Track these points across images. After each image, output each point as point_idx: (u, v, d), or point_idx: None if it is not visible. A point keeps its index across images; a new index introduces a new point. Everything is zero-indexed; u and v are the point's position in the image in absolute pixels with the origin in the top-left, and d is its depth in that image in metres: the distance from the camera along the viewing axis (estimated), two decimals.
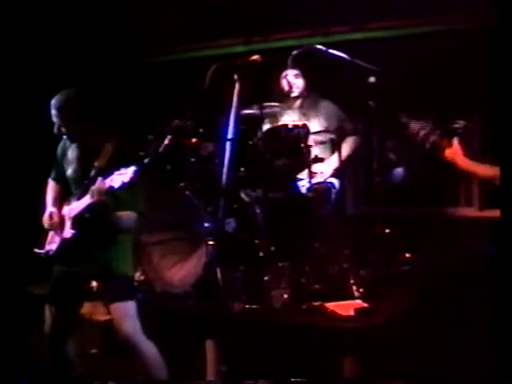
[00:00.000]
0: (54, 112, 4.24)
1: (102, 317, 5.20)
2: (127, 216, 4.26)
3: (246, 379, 4.46)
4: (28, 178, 5.42)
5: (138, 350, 4.23)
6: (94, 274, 4.33)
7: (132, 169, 3.91)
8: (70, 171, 4.41)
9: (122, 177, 3.92)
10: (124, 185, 3.92)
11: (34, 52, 6.73)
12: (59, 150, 4.50)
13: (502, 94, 3.37)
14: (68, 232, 4.25)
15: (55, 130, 4.28)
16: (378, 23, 6.46)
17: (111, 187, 3.95)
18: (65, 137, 4.36)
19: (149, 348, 4.26)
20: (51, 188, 4.56)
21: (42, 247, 4.39)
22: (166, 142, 5.64)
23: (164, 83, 7.09)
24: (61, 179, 4.50)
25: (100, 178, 4.03)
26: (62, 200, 4.45)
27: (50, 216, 4.35)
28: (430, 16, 6.14)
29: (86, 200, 4.11)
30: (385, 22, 6.41)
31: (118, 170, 3.94)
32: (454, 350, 4.60)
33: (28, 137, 6.18)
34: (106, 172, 4.02)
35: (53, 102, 4.25)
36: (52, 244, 4.34)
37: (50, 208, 4.44)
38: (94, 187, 4.04)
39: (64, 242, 4.27)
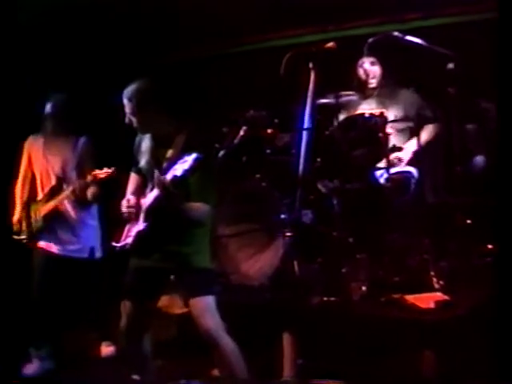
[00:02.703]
0: (125, 102, 4.27)
1: (178, 310, 5.21)
2: (198, 208, 4.23)
3: (322, 373, 4.45)
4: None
5: (218, 344, 4.19)
6: (172, 268, 4.29)
7: (193, 156, 3.90)
8: (143, 163, 4.42)
9: (183, 165, 3.92)
10: (185, 172, 3.91)
11: (107, 43, 6.80)
12: (136, 142, 4.51)
13: None
14: (141, 225, 4.25)
15: (126, 120, 4.30)
16: (453, 9, 6.31)
17: (174, 176, 3.95)
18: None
19: (228, 343, 4.22)
20: (131, 180, 4.57)
21: (119, 241, 4.40)
22: (241, 133, 5.64)
23: (238, 73, 7.07)
24: (139, 172, 4.50)
25: (164, 170, 4.04)
26: (141, 192, 4.45)
27: (128, 202, 4.34)
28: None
29: (156, 192, 4.11)
30: (460, 8, 6.26)
31: (182, 159, 3.95)
32: None
33: (102, 129, 6.22)
34: (176, 162, 4.01)
35: (124, 92, 4.28)
36: (128, 238, 4.34)
37: (128, 195, 4.45)
38: (159, 178, 4.04)
39: (139, 236, 4.27)
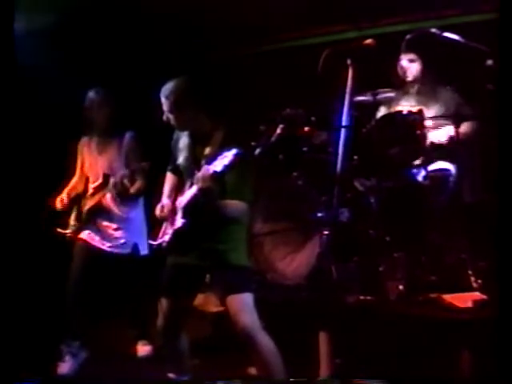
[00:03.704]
0: (162, 100, 4.28)
1: (214, 308, 5.22)
2: (234, 205, 4.23)
3: (358, 372, 4.43)
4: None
5: (256, 343, 4.18)
6: (209, 266, 4.29)
7: (233, 152, 3.92)
8: (181, 160, 4.44)
9: (223, 160, 3.93)
10: (225, 168, 3.93)
11: (146, 41, 6.82)
12: (173, 140, 4.53)
13: None
14: (179, 222, 4.26)
15: (164, 117, 4.32)
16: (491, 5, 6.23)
17: (214, 172, 3.96)
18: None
19: (266, 341, 4.21)
20: (168, 179, 4.60)
21: (156, 239, 4.42)
22: (278, 131, 5.63)
23: (275, 71, 7.05)
24: (177, 170, 4.52)
25: (205, 166, 4.04)
26: (178, 191, 4.47)
27: (162, 208, 4.38)
28: None
29: (194, 189, 4.12)
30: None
31: (222, 155, 3.96)
32: None
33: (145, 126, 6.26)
34: (216, 158, 4.02)
35: (162, 90, 4.29)
36: (165, 235, 4.36)
37: (163, 199, 4.48)
38: (198, 174, 4.05)
39: (176, 233, 4.28)
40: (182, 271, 4.31)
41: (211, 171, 3.98)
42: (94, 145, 5.65)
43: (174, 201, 4.40)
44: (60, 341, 5.44)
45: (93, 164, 5.66)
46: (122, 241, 5.59)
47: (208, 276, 4.32)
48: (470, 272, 4.85)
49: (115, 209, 5.57)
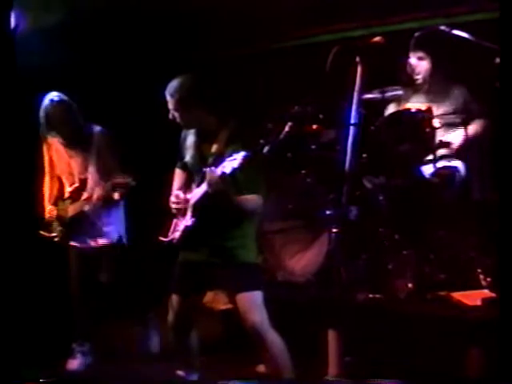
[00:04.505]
0: (167, 98, 4.29)
1: (223, 306, 5.22)
2: (251, 199, 4.23)
3: (367, 371, 4.43)
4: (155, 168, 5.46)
5: (265, 340, 4.19)
6: (218, 263, 4.29)
7: (241, 154, 3.92)
8: (188, 158, 4.45)
9: (232, 163, 3.93)
10: (234, 170, 3.93)
11: (152, 38, 6.82)
12: (181, 137, 4.53)
13: None
14: (189, 220, 4.26)
15: (170, 115, 4.32)
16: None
17: (223, 173, 3.96)
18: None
19: (275, 339, 4.21)
20: (177, 176, 4.60)
21: (166, 235, 4.42)
22: (286, 129, 5.62)
23: (283, 69, 7.04)
24: (185, 167, 4.52)
25: (212, 168, 4.05)
26: (187, 187, 4.47)
27: (177, 196, 4.38)
28: None
29: (203, 188, 4.12)
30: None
31: (230, 156, 3.95)
32: None
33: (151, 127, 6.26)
34: (223, 158, 4.02)
35: (167, 88, 4.30)
36: (176, 232, 4.36)
37: (175, 192, 4.47)
38: (206, 177, 4.06)
39: (186, 230, 4.29)
40: (192, 268, 4.32)
41: (220, 172, 3.98)
42: (61, 146, 5.52)
43: (185, 194, 4.39)
44: (71, 339, 5.45)
45: (65, 165, 5.55)
46: (109, 234, 5.56)
47: (217, 272, 4.31)
48: (478, 270, 4.85)
49: (97, 211, 5.52)
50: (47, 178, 5.63)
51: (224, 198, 4.12)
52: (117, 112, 6.29)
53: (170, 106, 4.30)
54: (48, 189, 5.63)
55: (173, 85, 4.29)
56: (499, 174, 3.55)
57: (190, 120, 4.34)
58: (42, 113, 5.35)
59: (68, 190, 5.55)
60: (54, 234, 5.54)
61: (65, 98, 5.40)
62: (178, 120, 4.33)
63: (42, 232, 5.57)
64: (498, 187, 3.58)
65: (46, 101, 5.37)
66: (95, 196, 5.40)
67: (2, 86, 3.94)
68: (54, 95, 5.37)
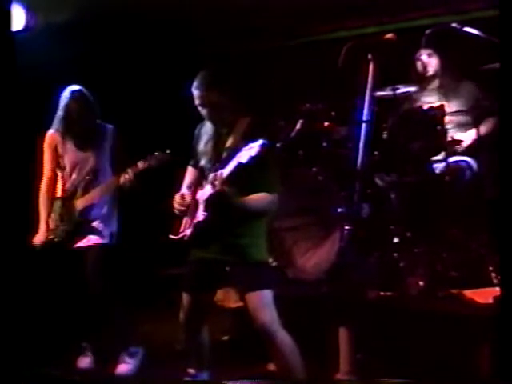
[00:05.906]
0: (194, 92, 4.24)
1: (233, 304, 5.22)
2: (262, 198, 4.20)
3: (380, 369, 4.43)
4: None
5: (275, 339, 4.16)
6: (229, 261, 4.26)
7: (259, 142, 3.85)
8: (202, 155, 4.42)
9: (249, 151, 3.87)
10: (251, 159, 3.86)
11: (176, 34, 6.84)
12: (195, 135, 4.52)
13: None
14: (201, 215, 4.24)
15: (199, 108, 4.27)
16: None
17: (239, 163, 3.91)
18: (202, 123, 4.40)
19: (285, 337, 4.19)
20: (188, 173, 4.58)
21: (177, 233, 4.40)
22: (298, 126, 5.62)
23: (295, 66, 7.04)
24: (197, 164, 4.51)
25: (219, 170, 4.02)
26: (198, 185, 4.45)
27: (182, 196, 4.36)
28: None
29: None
30: None
31: (247, 146, 3.91)
32: None
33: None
34: (239, 149, 3.97)
35: (193, 82, 4.25)
36: (186, 230, 4.35)
37: (183, 190, 4.46)
38: (212, 177, 4.05)
39: (197, 227, 4.27)
40: (203, 266, 4.30)
41: (236, 162, 3.94)
42: (69, 141, 5.39)
43: (193, 193, 4.38)
44: (82, 337, 5.45)
45: (74, 159, 5.39)
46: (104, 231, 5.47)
47: (227, 269, 4.29)
48: (490, 268, 4.84)
49: (98, 204, 5.36)
50: (46, 178, 5.48)
51: (226, 201, 4.10)
52: (122, 111, 6.28)
53: (197, 101, 4.25)
54: (48, 189, 5.55)
55: (197, 79, 4.24)
56: (503, 172, 3.54)
57: (213, 114, 4.27)
58: (61, 105, 5.30)
59: (80, 184, 5.47)
60: (52, 236, 5.31)
61: (85, 90, 5.40)
62: (203, 113, 4.28)
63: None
64: (500, 186, 3.56)
65: (67, 93, 5.32)
66: (122, 180, 5.16)
67: (1, 86, 3.94)
68: (74, 88, 5.35)
